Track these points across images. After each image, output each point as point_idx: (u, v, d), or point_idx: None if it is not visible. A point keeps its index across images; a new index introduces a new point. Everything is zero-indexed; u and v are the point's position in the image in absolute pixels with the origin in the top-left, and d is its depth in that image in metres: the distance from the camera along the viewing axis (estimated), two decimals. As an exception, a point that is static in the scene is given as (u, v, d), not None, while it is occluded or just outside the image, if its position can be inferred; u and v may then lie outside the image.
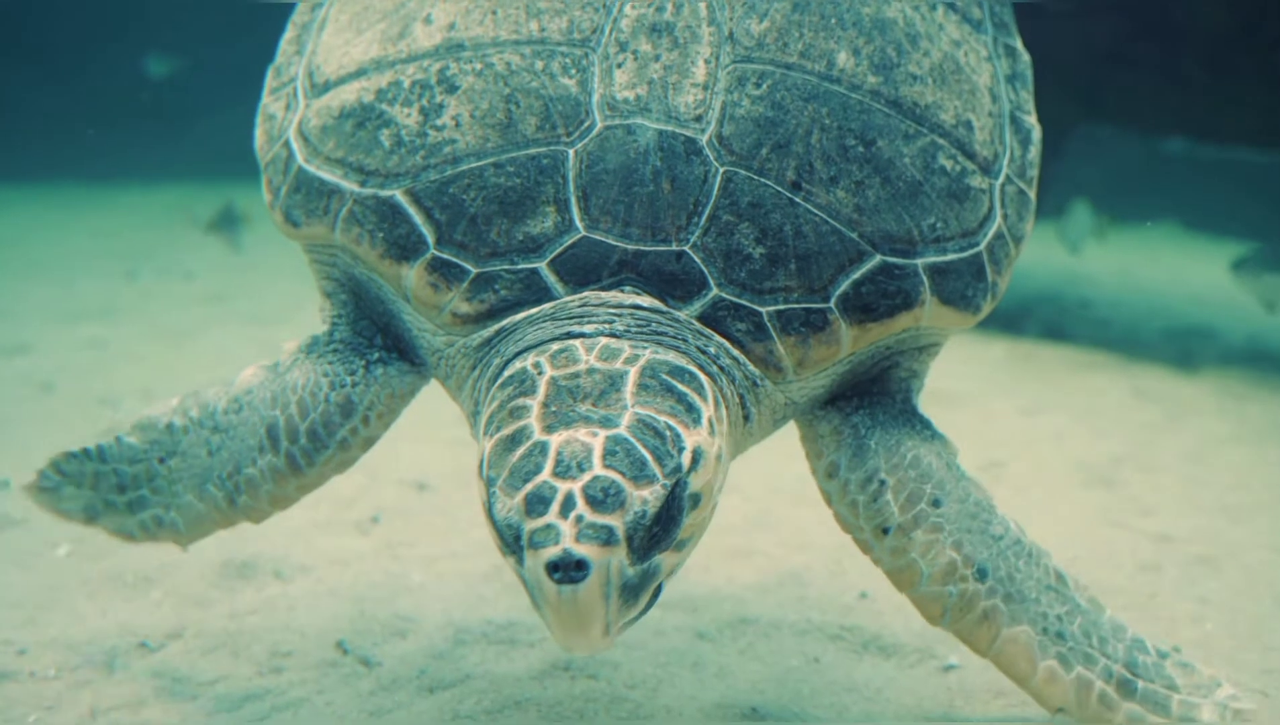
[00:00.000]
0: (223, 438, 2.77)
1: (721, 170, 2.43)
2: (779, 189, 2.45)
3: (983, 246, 2.62)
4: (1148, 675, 2.66)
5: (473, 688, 3.20)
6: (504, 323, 2.41)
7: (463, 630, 3.53)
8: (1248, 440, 5.81)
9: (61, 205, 12.88)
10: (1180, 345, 7.64)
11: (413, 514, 4.55)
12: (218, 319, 7.93)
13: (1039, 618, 2.63)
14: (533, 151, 2.44)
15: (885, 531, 2.61)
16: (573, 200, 2.41)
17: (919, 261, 2.52)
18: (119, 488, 2.86)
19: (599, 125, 2.44)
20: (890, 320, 2.49)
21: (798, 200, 2.45)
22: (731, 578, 4.00)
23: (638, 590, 2.08)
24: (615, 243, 2.39)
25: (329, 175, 2.57)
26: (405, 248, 2.46)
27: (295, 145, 2.67)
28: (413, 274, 2.45)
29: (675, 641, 3.52)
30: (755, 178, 2.45)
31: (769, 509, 4.61)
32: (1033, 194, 2.80)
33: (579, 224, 2.40)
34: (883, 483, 2.60)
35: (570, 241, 2.40)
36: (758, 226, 2.42)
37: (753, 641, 3.52)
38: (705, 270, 2.40)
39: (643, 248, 2.39)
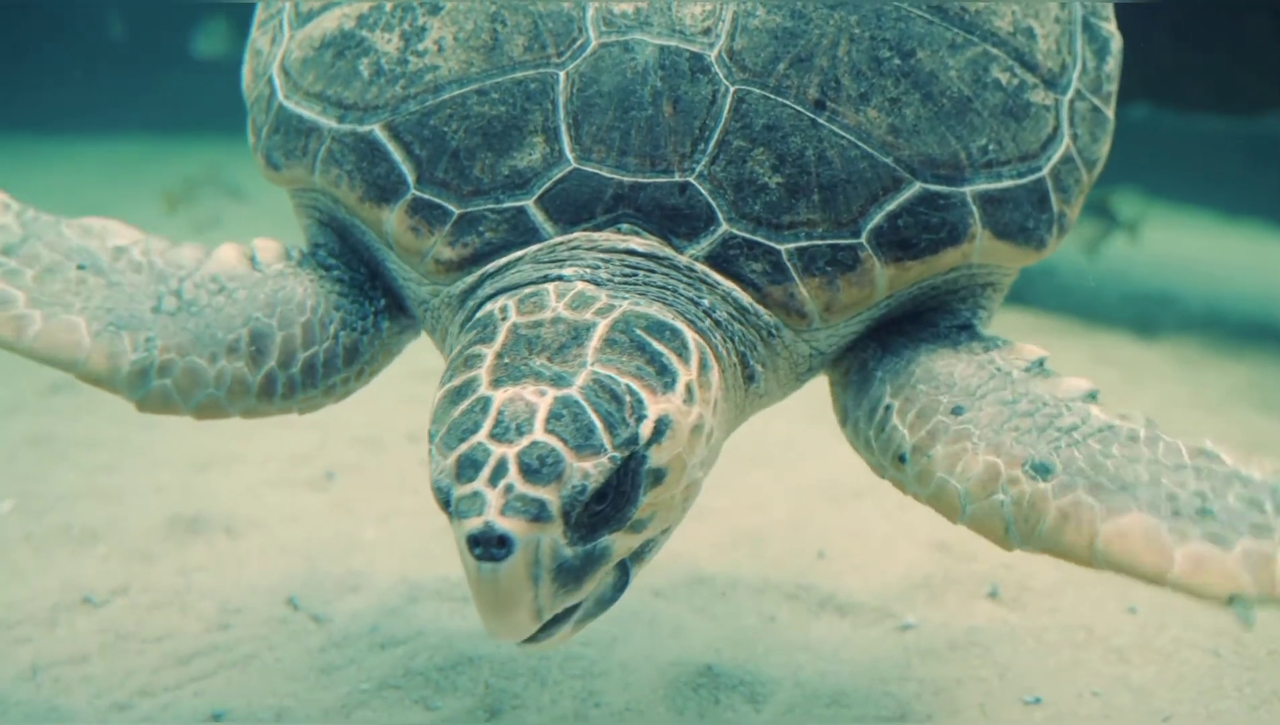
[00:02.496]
0: (181, 309, 2.34)
1: (732, 90, 2.15)
2: (800, 109, 2.16)
3: (1046, 171, 2.29)
4: None
5: (425, 644, 3.16)
6: (488, 268, 2.17)
7: (415, 587, 3.49)
8: (1205, 405, 5.83)
9: (12, 158, 12.65)
10: (1139, 311, 7.66)
11: (366, 471, 4.48)
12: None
13: (1162, 499, 2.02)
14: (520, 75, 2.19)
15: (902, 459, 2.17)
16: (563, 128, 2.15)
17: (967, 189, 2.20)
18: (4, 249, 2.35)
19: (593, 43, 2.18)
20: (934, 257, 2.19)
21: (821, 121, 2.16)
22: (688, 537, 3.95)
23: (579, 574, 1.83)
24: (610, 175, 2.13)
25: (307, 112, 2.34)
26: (384, 189, 2.22)
27: (277, 81, 2.43)
28: (393, 218, 2.21)
29: (631, 599, 3.46)
30: (772, 97, 2.16)
31: (726, 469, 4.54)
32: (1109, 112, 2.45)
33: (569, 155, 2.14)
34: (888, 408, 2.21)
35: (560, 175, 2.14)
36: (774, 152, 2.14)
37: (709, 600, 3.49)
38: (713, 203, 2.12)
39: (641, 180, 2.13)
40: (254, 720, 2.80)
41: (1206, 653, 3.21)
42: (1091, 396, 2.17)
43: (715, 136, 2.14)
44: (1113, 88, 2.47)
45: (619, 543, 1.87)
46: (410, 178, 2.20)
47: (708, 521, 4.08)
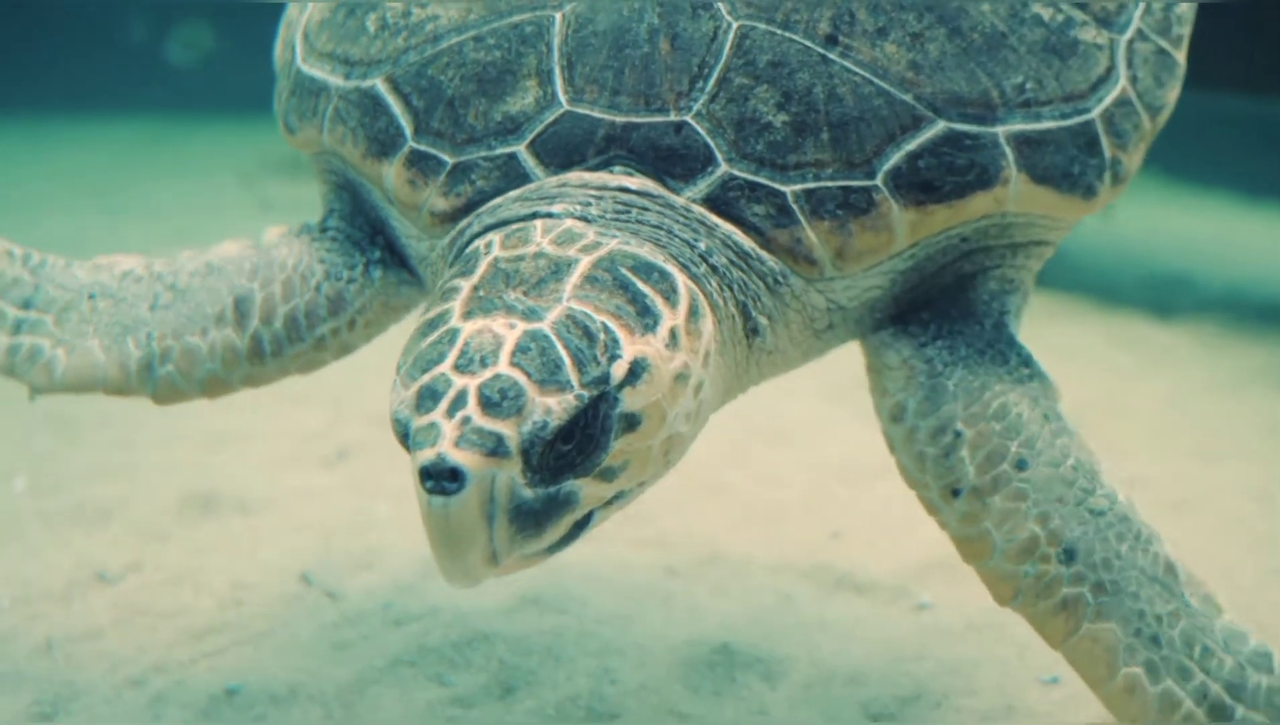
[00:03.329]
0: (175, 298, 2.43)
1: (735, 25, 2.04)
2: (809, 44, 2.03)
3: (1095, 113, 2.11)
4: (1253, 700, 2.11)
5: (439, 620, 3.15)
6: (480, 210, 2.09)
7: (429, 563, 3.46)
8: (1223, 387, 5.78)
9: (26, 138, 12.65)
10: (1157, 293, 7.60)
11: (379, 448, 4.46)
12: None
13: (1133, 616, 2.11)
14: (516, 19, 2.12)
15: (956, 493, 2.12)
16: (556, 70, 2.07)
17: (999, 129, 2.04)
18: (24, 303, 2.48)
19: None
20: (960, 202, 2.04)
21: (833, 57, 2.03)
22: (703, 514, 3.94)
23: (540, 519, 1.73)
24: (602, 115, 2.04)
25: (319, 72, 2.32)
26: (384, 143, 2.17)
27: (298, 46, 2.40)
28: (392, 172, 2.15)
29: (646, 577, 3.46)
30: (778, 33, 2.04)
31: (742, 445, 4.54)
32: (1179, 56, 2.26)
33: (561, 97, 2.06)
34: (958, 435, 2.12)
35: (552, 118, 2.06)
36: (780, 90, 2.01)
37: (724, 578, 3.47)
38: (711, 143, 2.01)
39: (634, 119, 2.03)
40: (267, 696, 2.79)
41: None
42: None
43: (715, 74, 2.03)
44: (1184, 31, 2.30)
45: (586, 490, 1.78)
46: (408, 130, 2.15)
47: (724, 499, 4.06)
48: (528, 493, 1.71)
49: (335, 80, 2.28)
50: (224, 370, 2.39)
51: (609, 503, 1.85)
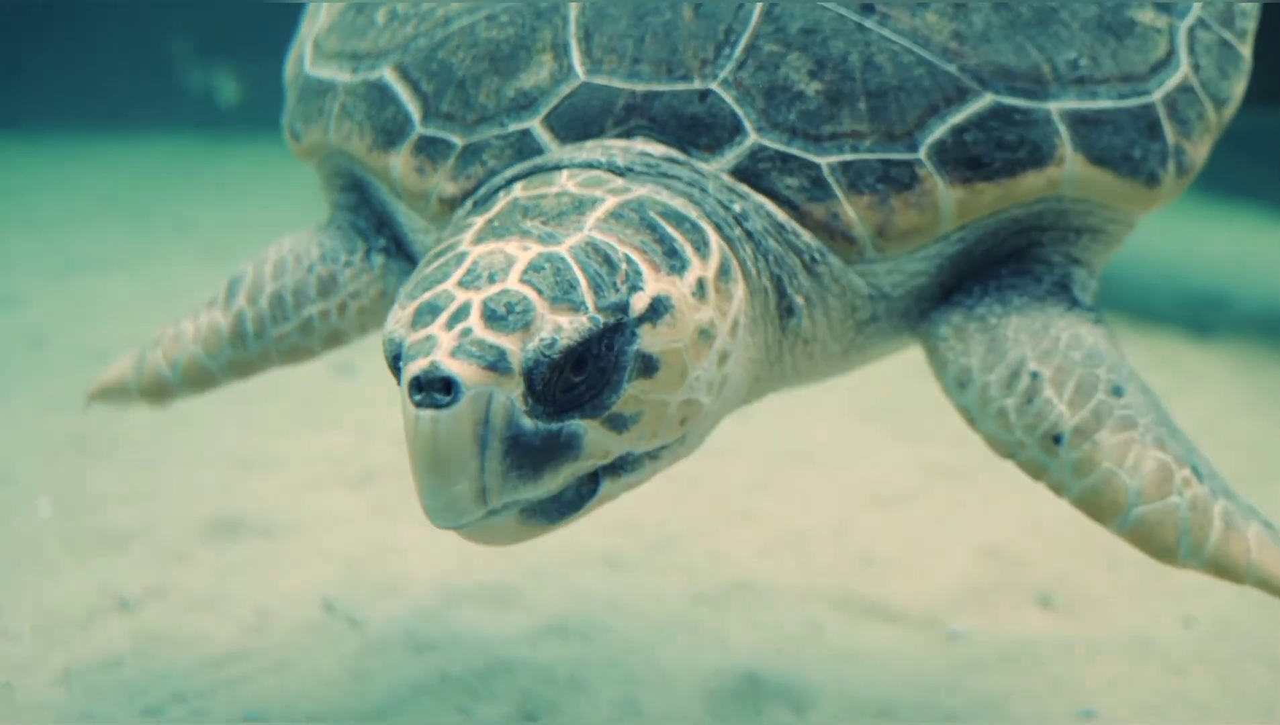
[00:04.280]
0: (199, 306, 2.41)
1: None
2: (844, 11, 1.89)
3: (1156, 96, 1.95)
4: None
5: (461, 649, 3.10)
6: (494, 181, 1.96)
7: (453, 590, 3.43)
8: (1262, 409, 5.68)
9: (62, 156, 12.74)
10: (1194, 312, 7.50)
11: (405, 472, 4.42)
12: (218, 275, 7.80)
13: (1250, 510, 1.93)
14: None
15: (1057, 440, 1.87)
16: (573, 43, 1.94)
17: (1052, 105, 1.89)
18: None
19: None
20: (1011, 181, 1.88)
21: (869, 25, 1.89)
22: (731, 540, 3.89)
23: (539, 459, 1.56)
24: (621, 85, 1.90)
25: (326, 72, 2.22)
26: (391, 133, 2.05)
27: (307, 53, 2.32)
28: (399, 163, 2.03)
29: (673, 605, 3.41)
30: None
31: (770, 471, 4.49)
32: (1243, 50, 2.11)
33: (578, 69, 1.93)
34: (1035, 376, 1.90)
35: (568, 90, 1.93)
36: (812, 57, 1.87)
37: (752, 606, 3.42)
38: (739, 111, 1.87)
39: (655, 88, 1.89)
40: (287, 726, 2.76)
41: (1269, 666, 3.10)
42: None
43: (743, 40, 1.89)
44: (1248, 25, 2.14)
45: (592, 435, 1.61)
46: (416, 117, 2.04)
47: (751, 525, 4.01)
48: (528, 423, 1.55)
49: (342, 77, 2.18)
50: (206, 354, 2.31)
51: (617, 469, 1.69)
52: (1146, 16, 2.01)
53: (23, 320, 6.47)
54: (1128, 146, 1.93)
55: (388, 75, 2.09)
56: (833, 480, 4.43)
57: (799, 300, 1.93)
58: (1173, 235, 8.81)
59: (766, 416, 4.91)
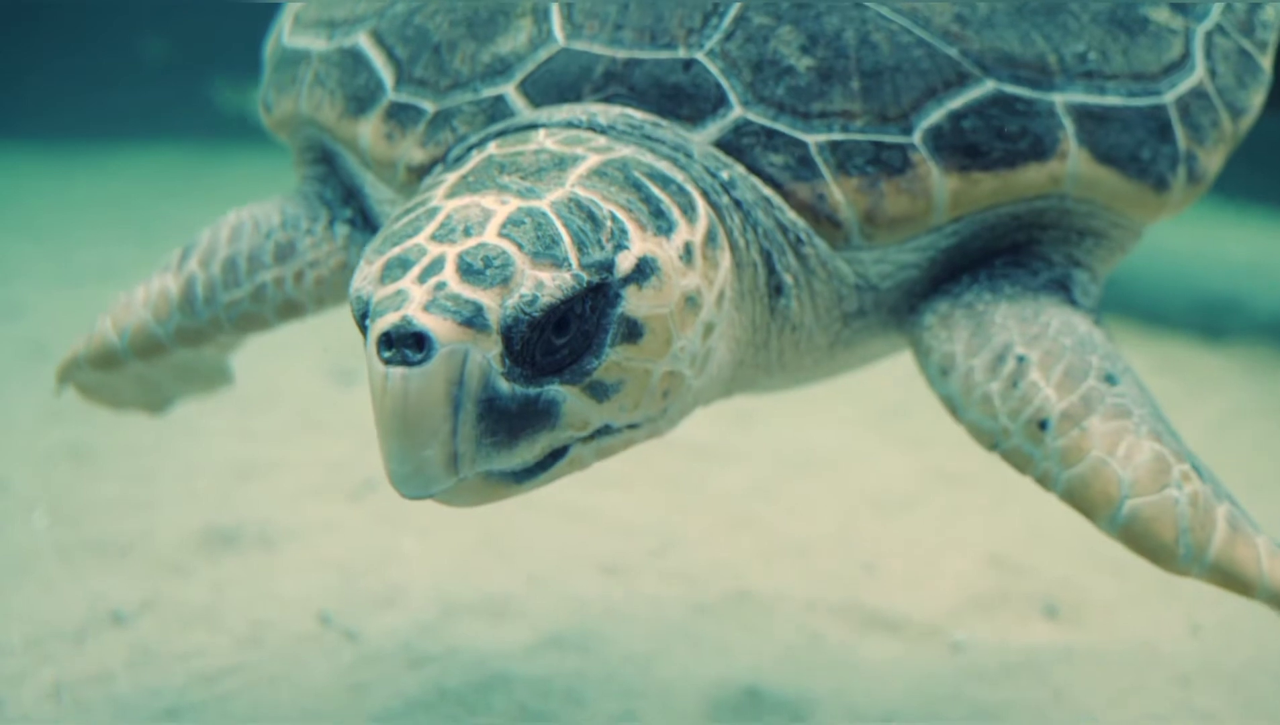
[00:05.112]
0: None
1: None
2: None
3: (1168, 97, 1.86)
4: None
5: (459, 662, 3.07)
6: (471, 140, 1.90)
7: (451, 601, 3.39)
8: (1274, 413, 5.64)
9: (65, 165, 12.75)
10: (1205, 316, 7.44)
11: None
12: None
13: (1255, 523, 1.85)
14: None
15: (1043, 426, 1.77)
16: (554, 8, 1.87)
17: (1056, 97, 1.81)
18: None
19: None
20: (1010, 173, 1.80)
21: (867, 2, 1.82)
22: (732, 548, 3.85)
23: (514, 426, 1.48)
24: (601, 51, 1.83)
25: (302, 42, 2.15)
26: (363, 100, 1.97)
27: (286, 25, 2.25)
28: (368, 130, 1.96)
29: (672, 615, 3.37)
30: None
31: (772, 477, 4.46)
32: (1263, 60, 2.02)
33: (558, 34, 1.85)
34: (1021, 359, 1.80)
35: (545, 56, 1.85)
36: (804, 32, 1.80)
37: (753, 616, 3.38)
38: (724, 83, 1.79)
39: (637, 55, 1.82)
40: (279, 741, 2.72)
41: (1277, 677, 3.05)
42: None
43: (732, 11, 1.82)
44: (1269, 37, 2.05)
45: (571, 403, 1.54)
46: (389, 82, 1.97)
47: (753, 532, 3.97)
48: (504, 386, 1.47)
49: (318, 45, 2.11)
50: (155, 320, 2.22)
51: (591, 438, 1.60)
52: (1161, 16, 1.93)
53: (25, 330, 6.46)
54: (1136, 146, 1.85)
55: (362, 41, 2.02)
56: (835, 487, 4.39)
57: (788, 278, 1.86)
58: (1184, 238, 8.76)
59: (768, 422, 4.88)
